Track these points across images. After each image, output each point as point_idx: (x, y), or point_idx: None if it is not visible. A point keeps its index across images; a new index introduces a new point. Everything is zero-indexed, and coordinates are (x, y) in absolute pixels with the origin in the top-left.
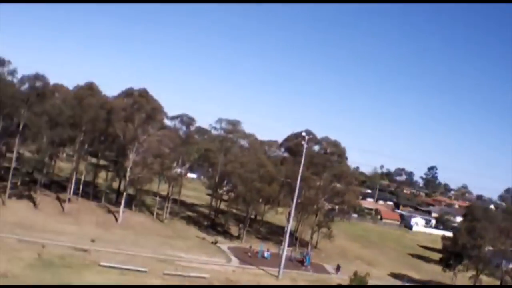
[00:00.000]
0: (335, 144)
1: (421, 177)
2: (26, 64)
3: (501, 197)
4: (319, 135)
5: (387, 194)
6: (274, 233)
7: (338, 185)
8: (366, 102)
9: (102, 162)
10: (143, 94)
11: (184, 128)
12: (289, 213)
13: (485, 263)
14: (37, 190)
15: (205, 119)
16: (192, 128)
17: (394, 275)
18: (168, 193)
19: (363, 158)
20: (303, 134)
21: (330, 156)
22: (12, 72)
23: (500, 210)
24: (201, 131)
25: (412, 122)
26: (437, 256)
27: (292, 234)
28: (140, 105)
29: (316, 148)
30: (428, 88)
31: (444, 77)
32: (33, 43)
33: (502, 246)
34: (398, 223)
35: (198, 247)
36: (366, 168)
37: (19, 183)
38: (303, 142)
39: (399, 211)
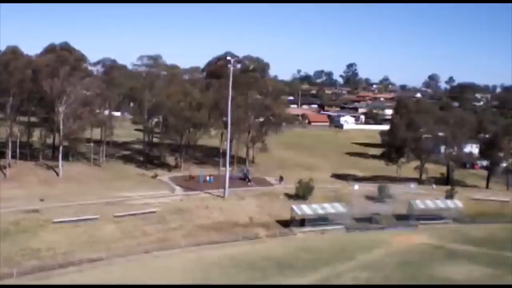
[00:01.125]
0: (257, 61)
1: (341, 76)
2: None
3: (426, 84)
4: (240, 54)
5: (310, 98)
6: (209, 156)
7: (265, 100)
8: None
9: (34, 120)
10: (65, 47)
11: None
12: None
13: (427, 153)
14: None
15: (127, 58)
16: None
17: (337, 176)
18: (101, 138)
19: (279, 66)
20: (228, 58)
21: (254, 73)
22: None
23: (427, 97)
24: (123, 70)
25: (325, 22)
26: (373, 151)
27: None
28: (63, 58)
29: (238, 67)
30: None
31: None
32: None
33: (440, 133)
34: (328, 124)
35: (140, 183)
36: (285, 75)
37: None
38: (229, 65)
39: (325, 112)
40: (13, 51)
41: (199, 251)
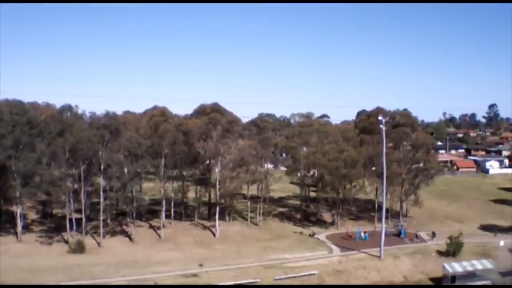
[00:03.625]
0: (407, 115)
1: (484, 117)
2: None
3: None
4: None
5: (456, 142)
6: (364, 210)
7: (417, 153)
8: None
9: (188, 178)
10: (216, 108)
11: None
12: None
13: None
14: (128, 222)
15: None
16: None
17: (484, 228)
18: (259, 196)
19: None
20: (379, 117)
21: (404, 128)
22: (82, 115)
23: None
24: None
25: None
26: None
27: (381, 207)
28: (215, 120)
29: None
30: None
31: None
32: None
33: None
34: (474, 170)
35: (298, 243)
36: (430, 117)
37: (109, 220)
38: (381, 126)
39: (472, 157)
40: (163, 113)
41: None
